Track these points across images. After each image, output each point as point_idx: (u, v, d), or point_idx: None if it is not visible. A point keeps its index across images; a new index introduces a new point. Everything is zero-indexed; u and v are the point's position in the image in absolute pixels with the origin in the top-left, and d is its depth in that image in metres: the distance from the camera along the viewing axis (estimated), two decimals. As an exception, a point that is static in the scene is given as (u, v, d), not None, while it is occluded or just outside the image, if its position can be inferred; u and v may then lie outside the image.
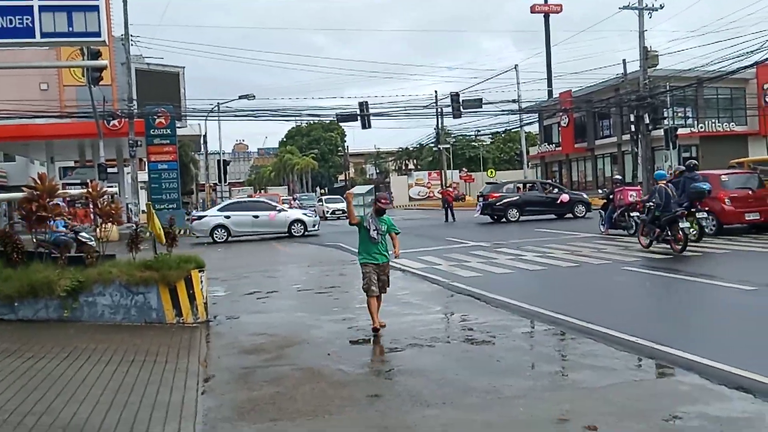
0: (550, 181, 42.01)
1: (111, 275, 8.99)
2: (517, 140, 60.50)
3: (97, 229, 10.53)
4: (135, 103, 31.21)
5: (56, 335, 8.15)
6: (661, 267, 12.33)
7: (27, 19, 10.83)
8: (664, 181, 14.90)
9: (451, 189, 39.87)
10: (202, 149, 51.72)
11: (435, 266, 14.13)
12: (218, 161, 41.68)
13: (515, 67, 44.32)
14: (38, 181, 9.83)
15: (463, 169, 67.67)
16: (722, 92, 42.76)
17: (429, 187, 65.91)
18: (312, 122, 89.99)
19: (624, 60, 36.17)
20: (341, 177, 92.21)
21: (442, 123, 52.45)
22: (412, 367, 6.60)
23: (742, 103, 41.99)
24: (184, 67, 36.45)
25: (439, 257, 15.57)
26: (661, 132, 30.64)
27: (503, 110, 41.68)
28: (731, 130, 42.10)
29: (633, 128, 31.64)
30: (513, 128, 53.10)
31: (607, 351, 6.73)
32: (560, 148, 52.56)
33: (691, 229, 14.50)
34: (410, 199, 64.16)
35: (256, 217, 25.14)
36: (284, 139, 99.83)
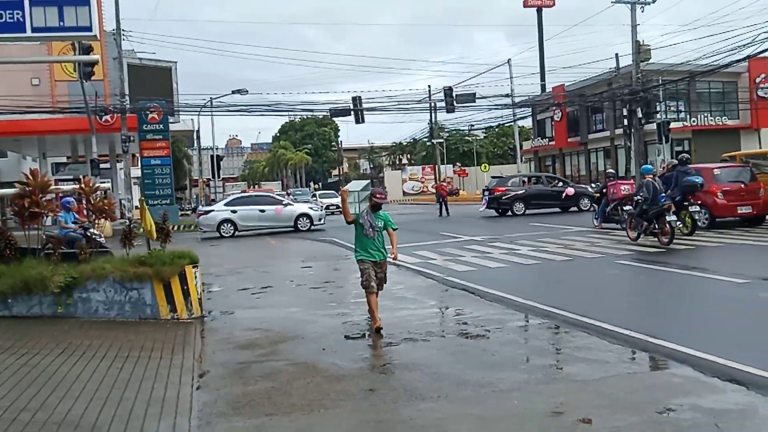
0: (555, 174, 41.98)
1: (105, 271, 8.98)
2: (510, 135, 60.64)
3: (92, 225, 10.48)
4: (127, 98, 31.08)
5: (50, 331, 8.14)
6: (654, 260, 12.38)
7: (18, 13, 10.78)
8: (651, 176, 15.15)
9: (445, 183, 39.92)
10: (195, 144, 51.59)
11: (429, 261, 14.15)
12: (211, 156, 41.58)
13: (508, 62, 44.31)
14: (30, 177, 9.80)
15: (457, 163, 67.72)
16: (714, 86, 42.90)
17: (423, 182, 65.96)
18: (305, 117, 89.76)
19: (617, 54, 36.29)
20: (335, 172, 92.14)
21: (435, 117, 52.50)
22: (407, 361, 6.62)
23: (734, 96, 42.12)
24: (176, 62, 36.21)
25: (433, 252, 15.59)
26: (654, 126, 30.68)
27: (496, 105, 41.61)
28: (723, 124, 42.24)
29: (626, 122, 31.65)
30: (506, 123, 53.08)
31: (601, 344, 6.77)
32: (553, 143, 52.65)
33: (678, 222, 14.64)
34: (404, 193, 64.20)
35: (262, 211, 25.17)
36: (277, 134, 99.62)
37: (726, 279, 9.95)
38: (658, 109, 32.66)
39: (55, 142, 36.47)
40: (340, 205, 8.45)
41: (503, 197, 27.90)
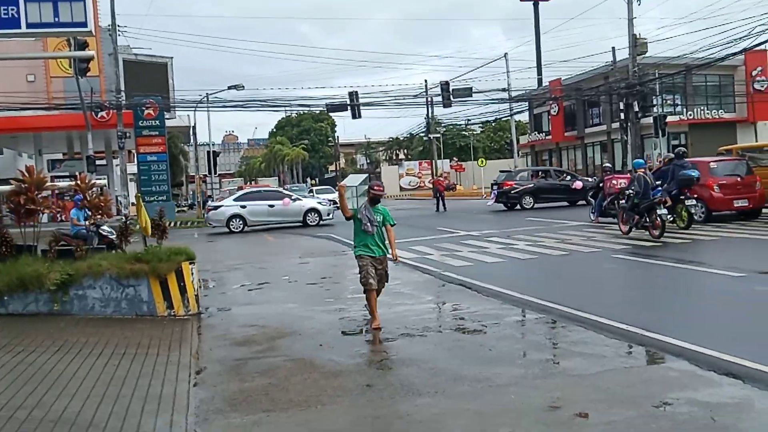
0: (562, 168, 41.91)
1: (101, 268, 8.96)
2: (507, 129, 60.53)
3: (86, 221, 10.46)
4: (123, 94, 30.99)
5: (47, 329, 8.12)
6: (650, 254, 12.40)
7: (12, 9, 10.72)
8: (643, 170, 15.32)
9: (442, 178, 39.90)
10: (192, 140, 51.45)
11: (426, 256, 14.15)
12: (208, 152, 41.46)
13: (505, 56, 44.28)
14: (26, 174, 9.77)
15: (454, 158, 67.66)
16: (711, 79, 42.90)
17: (420, 177, 65.91)
18: (302, 112, 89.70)
19: (613, 48, 36.18)
20: (332, 167, 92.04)
21: (432, 112, 52.43)
22: (404, 357, 6.62)
23: (731, 90, 42.13)
24: (172, 58, 36.11)
25: (430, 247, 15.60)
26: (651, 120, 30.72)
27: (493, 99, 41.64)
28: (720, 117, 42.28)
29: (622, 116, 31.68)
30: (503, 117, 53.14)
31: (598, 338, 6.78)
32: (550, 137, 52.64)
33: (669, 216, 14.76)
34: (401, 188, 64.15)
35: (271, 206, 25.20)
36: (274, 130, 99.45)
37: (722, 273, 9.97)
38: (654, 102, 32.68)
39: (50, 139, 36.38)
40: (338, 201, 8.33)
41: (512, 191, 27.95)
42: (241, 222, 24.81)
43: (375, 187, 8.15)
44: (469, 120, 56.96)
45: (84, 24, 11.15)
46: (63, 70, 35.90)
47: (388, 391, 5.49)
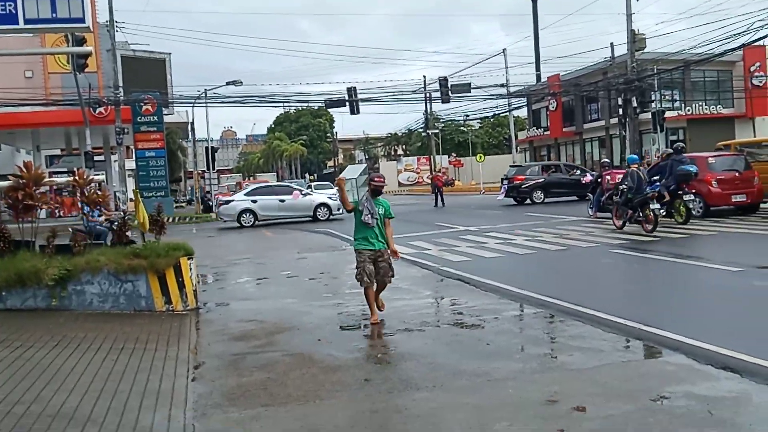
0: (572, 163, 41.86)
1: (99, 263, 8.96)
2: (505, 125, 60.57)
3: (84, 217, 10.45)
4: (121, 90, 30.95)
5: (45, 324, 8.12)
6: (648, 249, 12.41)
7: (10, 5, 10.72)
8: (636, 165, 15.54)
9: (440, 174, 39.91)
10: (190, 136, 51.42)
11: (425, 251, 14.16)
12: (206, 148, 41.41)
13: (503, 52, 44.27)
14: (24, 170, 9.75)
15: (452, 154, 67.68)
16: (709, 75, 42.89)
17: (418, 173, 65.94)
18: (300, 108, 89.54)
19: (612, 43, 36.23)
20: (330, 163, 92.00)
21: (430, 108, 52.42)
22: (402, 352, 6.63)
23: (729, 85, 42.11)
24: (170, 54, 36.06)
25: (428, 242, 15.60)
26: (649, 115, 30.71)
27: (492, 95, 41.58)
28: (718, 112, 42.28)
29: (621, 112, 31.68)
30: (501, 113, 53.05)
31: (595, 333, 6.79)
32: (549, 132, 52.64)
33: (662, 210, 14.88)
34: (400, 184, 64.18)
35: (282, 201, 25.27)
36: (272, 126, 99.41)
37: (720, 267, 9.98)
38: (652, 98, 32.66)
39: (49, 135, 36.31)
40: (338, 194, 8.19)
41: (522, 186, 27.95)
42: (251, 216, 24.88)
43: (376, 179, 8.02)
44: (467, 116, 56.85)
45: (82, 20, 11.14)
46: (61, 66, 35.81)
47: (387, 386, 5.50)
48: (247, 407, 5.17)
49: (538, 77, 55.02)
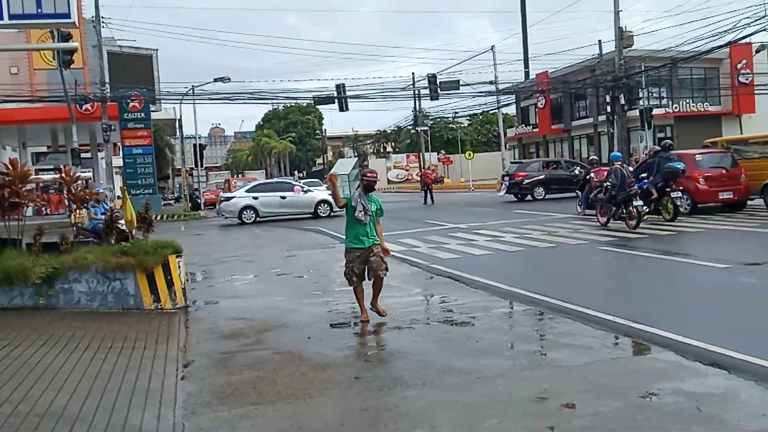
0: (573, 159, 41.98)
1: (87, 261, 8.89)
2: (494, 122, 60.64)
3: (71, 215, 10.38)
4: (108, 86, 30.73)
5: (32, 323, 8.05)
6: (636, 246, 12.47)
7: (-6, 1, 10.59)
8: (619, 162, 15.86)
9: (430, 171, 39.93)
10: (178, 133, 51.11)
11: (414, 249, 14.17)
12: (194, 145, 41.22)
13: (492, 49, 44.29)
14: (10, 167, 9.66)
15: (441, 151, 67.70)
16: (696, 72, 43.13)
17: (407, 170, 65.91)
18: (289, 105, 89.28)
19: (600, 41, 36.28)
20: (319, 160, 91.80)
21: (419, 105, 52.44)
22: (392, 349, 6.63)
23: (716, 83, 42.38)
24: (157, 50, 35.80)
25: (418, 239, 15.61)
26: (637, 112, 30.85)
27: (481, 92, 41.62)
28: (705, 110, 42.54)
29: (609, 109, 31.80)
30: (490, 110, 53.11)
31: (585, 330, 6.81)
32: (537, 130, 52.74)
33: (644, 207, 15.10)
34: (389, 181, 64.12)
35: (283, 198, 25.32)
36: (261, 123, 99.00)
37: (708, 264, 10.05)
38: (640, 95, 32.82)
39: (35, 132, 35.99)
40: (330, 190, 7.91)
41: (524, 182, 28.03)
42: (253, 213, 24.91)
43: (368, 174, 7.81)
44: (456, 113, 57.02)
45: (67, 15, 11.04)
46: (47, 62, 35.48)
47: (377, 384, 5.50)
48: (237, 406, 5.15)
49: (527, 74, 55.17)
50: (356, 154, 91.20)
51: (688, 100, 42.53)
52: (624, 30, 30.51)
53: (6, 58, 33.92)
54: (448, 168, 63.81)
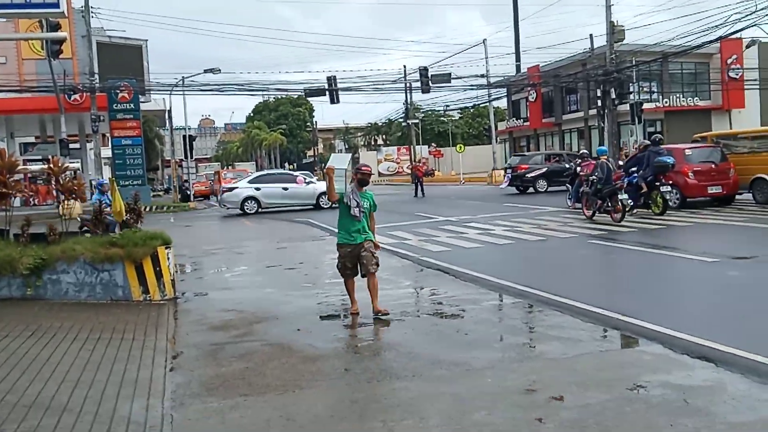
0: (575, 152, 42.02)
1: (75, 252, 8.83)
2: (485, 115, 60.65)
3: (59, 206, 10.31)
4: (97, 77, 30.52)
5: (20, 313, 8.01)
6: (625, 240, 12.52)
7: (-19, -11, 10.47)
8: (605, 157, 16.14)
9: (420, 164, 39.92)
10: (167, 124, 50.82)
11: (405, 241, 14.17)
12: (184, 137, 40.96)
13: (484, 42, 44.23)
14: (-3, 157, 9.57)
15: (432, 144, 67.71)
16: (687, 67, 43.29)
17: (398, 163, 65.92)
18: (280, 97, 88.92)
19: (591, 35, 36.32)
20: (310, 153, 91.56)
21: (410, 98, 52.35)
22: (382, 341, 6.64)
23: (706, 77, 42.57)
24: (147, 40, 35.60)
25: (408, 232, 15.61)
26: (627, 107, 30.96)
27: (472, 85, 41.65)
28: (695, 104, 42.73)
29: (599, 103, 31.89)
30: (481, 103, 53.14)
31: (574, 323, 6.84)
32: (528, 123, 52.85)
33: (629, 200, 15.32)
34: (380, 174, 64.07)
35: (285, 189, 25.34)
36: (251, 115, 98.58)
37: (696, 258, 10.11)
38: (631, 89, 32.94)
39: (23, 122, 35.74)
40: (326, 184, 7.60)
41: (526, 174, 28.08)
42: (255, 204, 24.92)
43: (363, 168, 7.74)
44: (447, 106, 56.91)
45: (56, 5, 10.94)
46: (35, 52, 35.17)
47: (366, 376, 5.50)
48: (226, 397, 5.14)
49: (518, 68, 55.15)
50: (347, 147, 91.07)
51: (678, 95, 42.70)
52: (615, 24, 30.57)
53: (-6, 48, 33.63)
54: (439, 161, 63.84)
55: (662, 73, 42.09)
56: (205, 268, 12.24)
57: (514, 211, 19.69)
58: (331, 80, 34.96)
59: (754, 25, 24.50)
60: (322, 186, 26.24)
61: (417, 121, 59.98)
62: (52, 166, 10.41)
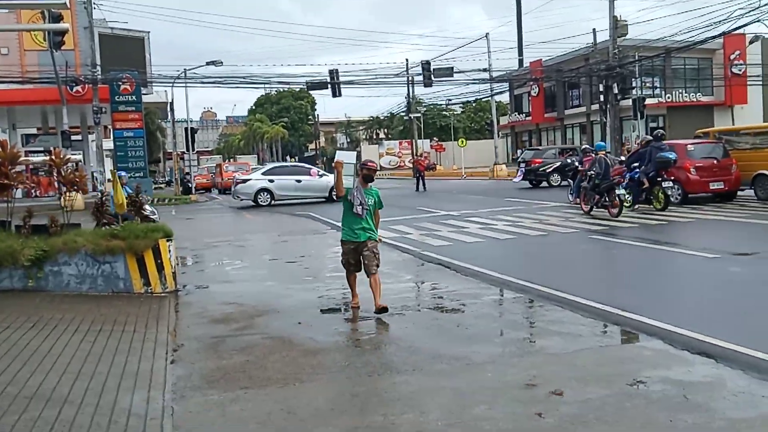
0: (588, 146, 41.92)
1: (76, 244, 8.84)
2: (487, 109, 60.56)
3: (61, 198, 10.31)
4: (99, 68, 30.48)
5: (21, 305, 8.02)
6: (626, 235, 12.52)
7: (-17, -21, 10.45)
8: (603, 152, 16.12)
9: (422, 158, 39.89)
10: (169, 117, 50.82)
11: (406, 235, 14.17)
12: (186, 129, 40.97)
13: (486, 36, 44.12)
14: (-1, 149, 9.57)
15: (434, 138, 67.66)
16: (689, 62, 43.22)
17: (400, 157, 65.88)
18: (281, 90, 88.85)
19: (594, 29, 36.34)
20: (312, 146, 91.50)
21: (413, 92, 52.26)
22: (382, 335, 6.65)
23: (709, 73, 42.49)
24: (149, 32, 35.50)
25: (410, 226, 15.61)
26: (630, 102, 30.91)
27: (474, 79, 41.62)
28: (698, 100, 42.67)
29: (602, 98, 31.84)
30: (484, 97, 53.07)
31: (574, 318, 6.85)
32: (530, 118, 52.80)
33: (627, 196, 15.46)
34: (381, 168, 63.98)
35: (298, 181, 25.43)
36: (253, 107, 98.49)
37: (697, 254, 10.10)
38: (633, 85, 32.86)
39: (25, 113, 35.71)
40: (335, 178, 7.48)
41: (540, 169, 28.04)
42: (268, 196, 25.05)
43: (369, 164, 7.67)
44: (449, 100, 56.93)
45: (58, -5, 10.91)
46: (37, 43, 35.10)
47: (367, 369, 5.51)
48: (227, 390, 5.15)
49: (521, 62, 55.12)
50: (349, 141, 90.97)
51: (681, 90, 42.63)
52: (618, 19, 30.49)
53: (-4, 39, 33.57)
54: (441, 155, 63.78)
55: (665, 68, 42.03)
56: (207, 261, 12.25)
57: (516, 205, 19.68)
58: (333, 73, 34.93)
59: (758, 20, 24.56)
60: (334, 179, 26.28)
61: (419, 115, 59.91)
62: (53, 157, 10.40)
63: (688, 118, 38.50)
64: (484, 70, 42.01)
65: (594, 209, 15.81)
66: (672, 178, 16.31)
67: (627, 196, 15.46)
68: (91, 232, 9.37)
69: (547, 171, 27.98)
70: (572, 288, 8.08)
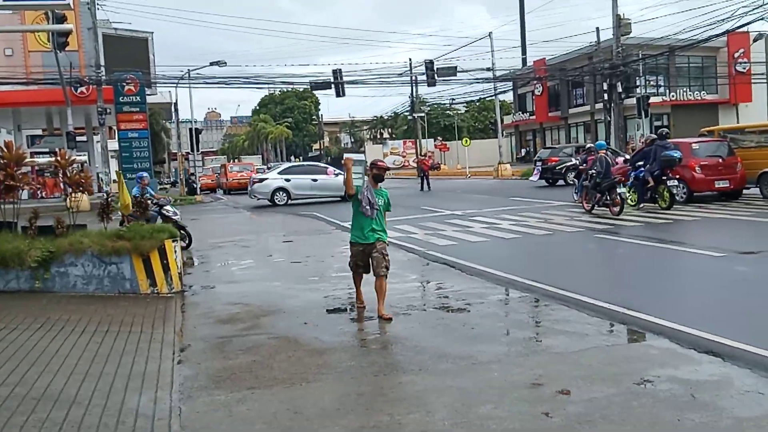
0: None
1: (82, 245, 8.87)
2: (491, 109, 60.54)
3: (67, 199, 10.34)
4: (103, 69, 30.50)
5: (28, 306, 8.05)
6: (632, 234, 12.50)
7: (-12, -19, 10.50)
8: (604, 151, 16.29)
9: (426, 158, 39.86)
10: (173, 117, 50.89)
11: (411, 235, 14.17)
12: (190, 129, 41.04)
13: (489, 35, 44.04)
14: (5, 150, 9.60)
15: (438, 138, 67.60)
16: (693, 61, 43.13)
17: (404, 156, 65.87)
18: (285, 90, 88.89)
19: (597, 28, 36.30)
20: (316, 146, 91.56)
21: (416, 91, 52.23)
22: (388, 335, 6.65)
23: (713, 71, 42.41)
24: (153, 33, 35.54)
25: (414, 226, 15.61)
26: (634, 100, 30.84)
27: (478, 78, 41.70)
28: (702, 98, 42.57)
29: (606, 97, 31.78)
30: (487, 97, 53.01)
31: (580, 317, 6.84)
32: (534, 117, 52.76)
33: (628, 195, 15.50)
34: (387, 168, 63.89)
35: (314, 180, 25.44)
36: (257, 108, 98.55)
37: (703, 252, 10.08)
38: (637, 83, 32.80)
39: (30, 115, 35.80)
40: (344, 176, 7.38)
41: (556, 167, 28.00)
42: (285, 195, 25.12)
43: (378, 163, 7.55)
44: (453, 99, 56.81)
45: (63, -3, 10.94)
46: (41, 44, 35.17)
47: (372, 369, 5.52)
48: (233, 390, 5.16)
49: (524, 61, 55.01)
50: (353, 140, 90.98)
51: (685, 89, 42.54)
52: (622, 17, 30.44)
53: (0, 40, 33.67)
54: (445, 155, 63.72)
55: (669, 66, 41.94)
56: (212, 261, 12.27)
57: (521, 205, 19.66)
58: (337, 73, 34.93)
59: (761, 18, 24.35)
60: None
61: (423, 114, 59.91)
62: (59, 158, 10.44)
63: (693, 117, 38.42)
64: (488, 69, 41.92)
65: (595, 208, 15.88)
66: (677, 176, 16.28)
67: (628, 194, 15.46)
68: (96, 233, 9.40)
69: (564, 169, 27.91)
70: (578, 287, 8.07)
